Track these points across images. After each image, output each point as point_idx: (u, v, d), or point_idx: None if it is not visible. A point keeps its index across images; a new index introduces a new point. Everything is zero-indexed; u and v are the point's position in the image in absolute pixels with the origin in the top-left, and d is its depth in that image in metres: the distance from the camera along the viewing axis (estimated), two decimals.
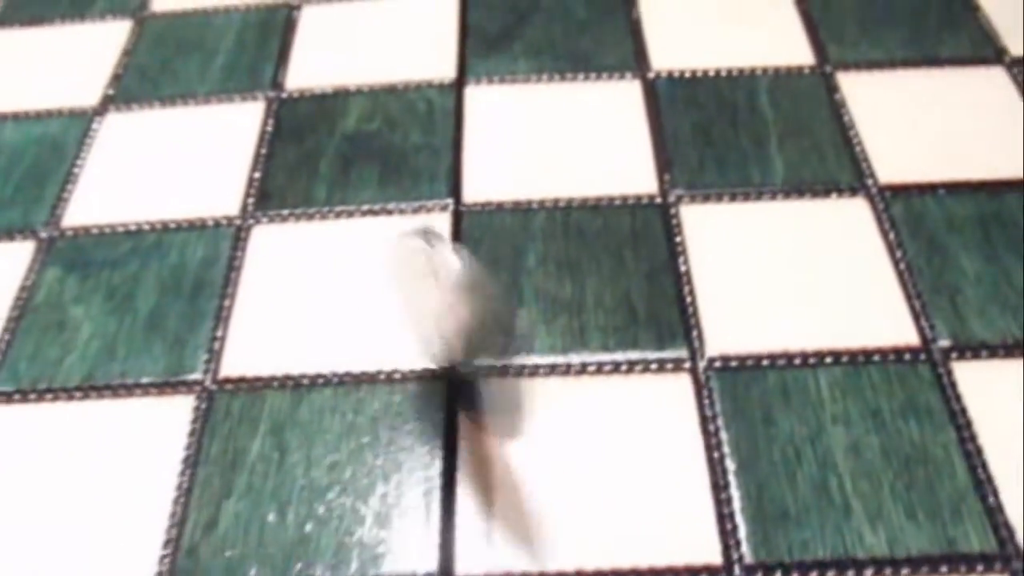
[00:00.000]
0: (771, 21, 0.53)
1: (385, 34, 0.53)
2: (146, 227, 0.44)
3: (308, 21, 0.54)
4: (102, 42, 0.54)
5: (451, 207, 0.44)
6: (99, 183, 0.47)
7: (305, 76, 0.51)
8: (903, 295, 0.40)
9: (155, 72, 0.52)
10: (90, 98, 0.51)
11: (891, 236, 0.42)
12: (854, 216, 0.43)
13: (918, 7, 0.53)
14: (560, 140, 0.47)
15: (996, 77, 0.49)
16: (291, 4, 0.56)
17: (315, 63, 0.52)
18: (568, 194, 0.44)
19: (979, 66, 0.49)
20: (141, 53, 0.53)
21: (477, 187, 0.45)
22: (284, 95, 0.50)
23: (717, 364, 0.38)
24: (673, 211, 0.43)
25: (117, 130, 0.49)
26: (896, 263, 0.41)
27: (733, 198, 0.44)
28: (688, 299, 0.40)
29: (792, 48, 0.51)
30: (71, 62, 0.53)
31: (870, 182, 0.44)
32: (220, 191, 0.46)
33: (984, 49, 0.50)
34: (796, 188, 0.44)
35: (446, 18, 0.54)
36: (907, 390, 0.37)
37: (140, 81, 0.52)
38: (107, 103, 0.51)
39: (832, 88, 0.49)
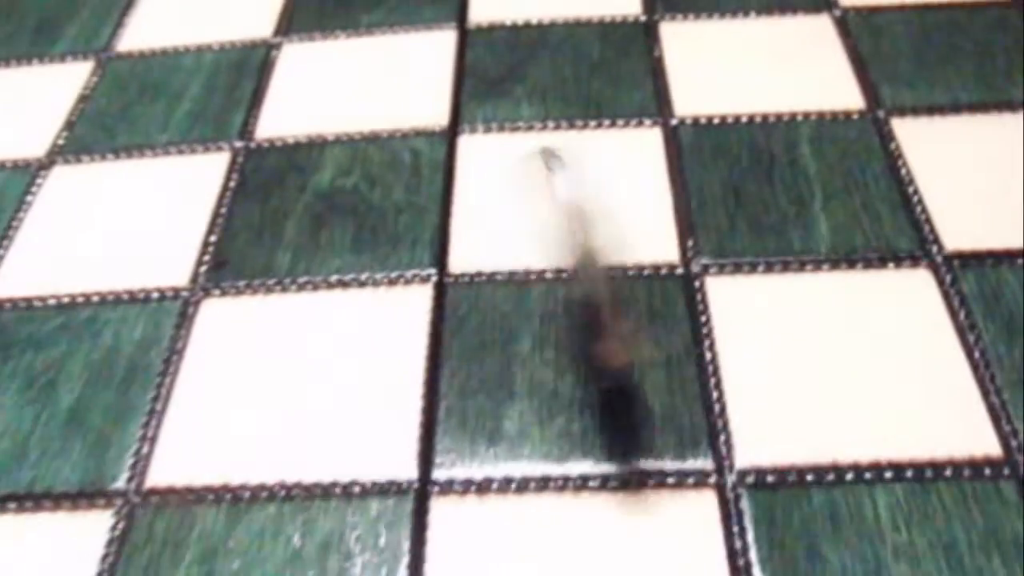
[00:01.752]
0: (814, 58, 0.46)
1: (372, 74, 0.47)
2: (80, 300, 0.38)
3: (288, 61, 0.48)
4: (59, 85, 0.49)
5: (433, 278, 0.37)
6: (34, 247, 0.41)
7: (278, 123, 0.45)
8: (979, 391, 0.33)
9: (113, 119, 0.46)
10: (37, 148, 0.45)
11: (961, 316, 0.35)
12: (916, 291, 0.36)
13: (983, 41, 0.46)
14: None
15: None
16: (270, 42, 0.50)
17: (291, 108, 0.45)
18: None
19: None
20: (100, 97, 0.47)
21: (466, 254, 0.38)
22: (253, 145, 0.44)
23: (749, 479, 0.31)
24: (697, 284, 0.36)
25: (63, 185, 0.43)
26: (969, 350, 0.34)
27: (769, 269, 0.37)
28: (714, 395, 0.33)
29: (838, 90, 0.44)
30: (23, 107, 0.48)
31: (934, 249, 0.37)
32: (169, 257, 0.39)
33: None
34: (845, 256, 0.37)
35: (441, 56, 0.47)
36: (988, 516, 0.30)
37: (95, 129, 0.46)
38: (55, 154, 0.45)
39: (886, 136, 0.42)
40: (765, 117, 0.43)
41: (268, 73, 0.48)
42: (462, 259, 0.38)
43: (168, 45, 0.50)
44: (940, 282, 0.36)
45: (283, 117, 0.45)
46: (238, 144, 0.44)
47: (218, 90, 0.47)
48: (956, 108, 0.43)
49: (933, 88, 0.44)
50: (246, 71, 0.48)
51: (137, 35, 0.51)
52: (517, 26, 0.49)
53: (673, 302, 0.36)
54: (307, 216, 0.40)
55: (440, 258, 0.38)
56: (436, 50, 0.48)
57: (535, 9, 0.50)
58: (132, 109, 0.47)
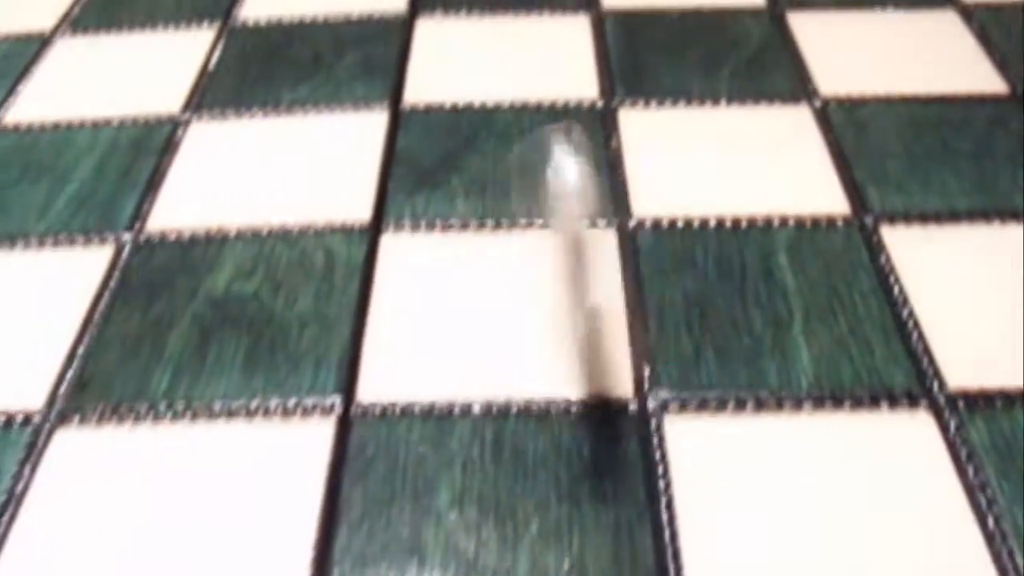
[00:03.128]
0: (791, 155, 0.40)
1: (288, 159, 0.41)
2: None
3: (194, 140, 0.42)
4: None
5: (337, 409, 0.31)
6: None
7: (174, 212, 0.39)
8: (991, 560, 0.27)
9: None
10: None
11: (970, 472, 0.29)
12: (915, 438, 0.30)
13: (980, 139, 0.41)
14: (502, 314, 0.34)
15: None
16: (177, 119, 0.44)
17: (191, 195, 0.39)
18: (504, 396, 0.31)
19: None
20: None
21: (378, 380, 0.32)
22: (142, 237, 0.38)
23: None
24: (655, 424, 0.30)
25: None
26: (981, 515, 0.28)
27: (740, 407, 0.31)
28: (672, 570, 0.27)
29: (820, 191, 0.39)
30: None
31: (935, 386, 0.31)
32: (24, 373, 0.33)
33: None
34: (830, 393, 0.31)
35: (370, 140, 0.42)
36: None
37: None
38: None
39: (875, 247, 0.36)
40: (736, 221, 0.37)
41: (171, 154, 0.42)
42: (373, 386, 0.32)
43: (62, 118, 0.44)
44: (943, 428, 0.30)
45: (181, 205, 0.39)
46: (125, 236, 0.38)
47: (111, 172, 0.41)
48: (953, 216, 0.37)
49: (926, 192, 0.38)
50: (146, 150, 0.42)
51: (29, 106, 0.45)
52: (457, 108, 0.43)
53: (626, 447, 0.30)
54: (195, 327, 0.34)
55: (347, 384, 0.32)
56: (364, 133, 0.42)
57: (479, 89, 0.44)
58: (9, 191, 0.40)
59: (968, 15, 0.49)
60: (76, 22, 0.51)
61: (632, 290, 0.35)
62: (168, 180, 0.40)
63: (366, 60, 0.47)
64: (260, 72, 0.46)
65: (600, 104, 0.43)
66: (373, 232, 0.37)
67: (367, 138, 0.42)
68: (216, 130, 0.43)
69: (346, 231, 0.37)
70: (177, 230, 0.38)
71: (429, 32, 0.49)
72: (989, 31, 0.47)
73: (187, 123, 0.43)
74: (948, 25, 0.48)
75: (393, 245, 0.37)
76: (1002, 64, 0.45)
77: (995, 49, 0.46)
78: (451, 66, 0.46)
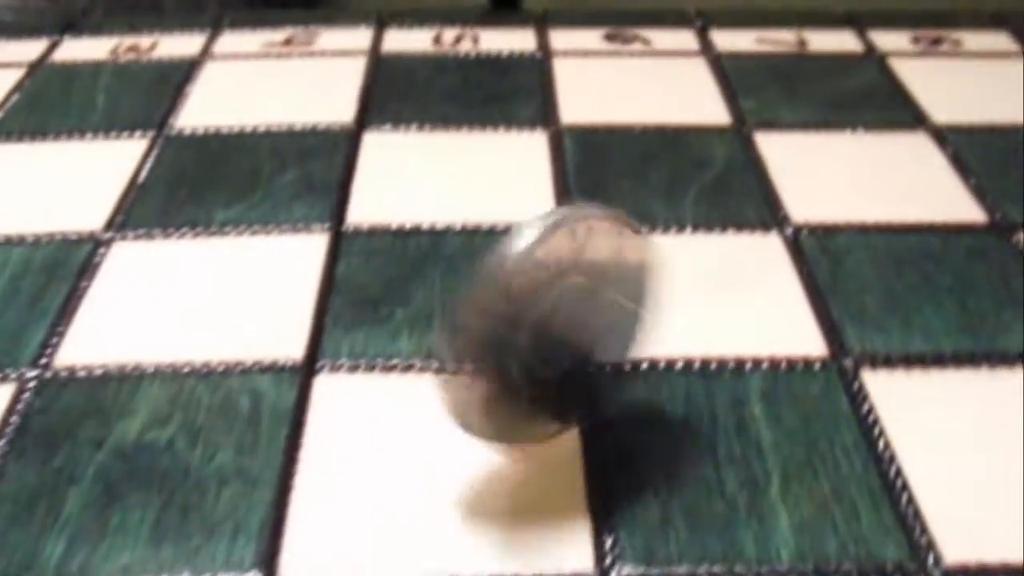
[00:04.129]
0: (763, 289, 0.38)
1: (217, 287, 0.37)
2: None
3: (115, 262, 0.39)
4: None
5: None
6: None
7: (87, 346, 0.35)
8: None
9: None
10: None
11: None
12: None
13: (963, 274, 0.38)
14: (449, 467, 0.30)
15: None
16: (99, 238, 0.40)
17: (107, 326, 0.36)
18: (449, 572, 0.27)
19: None
20: None
21: (304, 553, 0.28)
22: (48, 375, 0.34)
23: None
24: None
25: None
26: None
27: None
28: None
29: (794, 330, 0.36)
30: None
31: (929, 560, 0.28)
32: None
33: None
34: (814, 568, 0.28)
35: (306, 266, 0.38)
36: None
37: None
38: None
39: (856, 394, 0.33)
40: (705, 363, 0.34)
41: (88, 277, 0.38)
42: (298, 560, 0.28)
43: None
44: None
45: (95, 338, 0.35)
46: (29, 374, 0.34)
47: (19, 298, 0.37)
48: (938, 359, 0.34)
49: (908, 332, 0.35)
50: (61, 273, 0.38)
51: None
52: (404, 231, 0.40)
53: None
54: (99, 484, 0.30)
55: (268, 557, 0.28)
56: (302, 258, 0.39)
57: (428, 210, 0.41)
58: None
59: (940, 137, 0.47)
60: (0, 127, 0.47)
61: (592, 443, 0.31)
62: (83, 308, 0.36)
63: (307, 177, 0.44)
64: (193, 187, 0.43)
65: None
66: (306, 372, 0.34)
67: (304, 264, 0.38)
68: (140, 251, 0.39)
69: (276, 371, 0.34)
70: (88, 366, 0.34)
71: (376, 146, 0.46)
72: (963, 155, 0.45)
73: (109, 243, 0.40)
74: (920, 148, 0.46)
75: (328, 387, 0.33)
76: (978, 190, 0.43)
77: (970, 174, 0.44)
78: (398, 184, 0.43)
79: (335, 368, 0.34)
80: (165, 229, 0.40)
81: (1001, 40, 0.56)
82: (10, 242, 0.40)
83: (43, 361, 0.34)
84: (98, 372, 0.34)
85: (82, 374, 0.34)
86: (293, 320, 0.36)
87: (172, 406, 0.32)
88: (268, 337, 0.35)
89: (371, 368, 0.34)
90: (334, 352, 0.34)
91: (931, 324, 0.36)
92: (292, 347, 0.34)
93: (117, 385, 0.33)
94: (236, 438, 0.31)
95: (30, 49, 0.54)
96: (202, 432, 0.31)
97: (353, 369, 0.34)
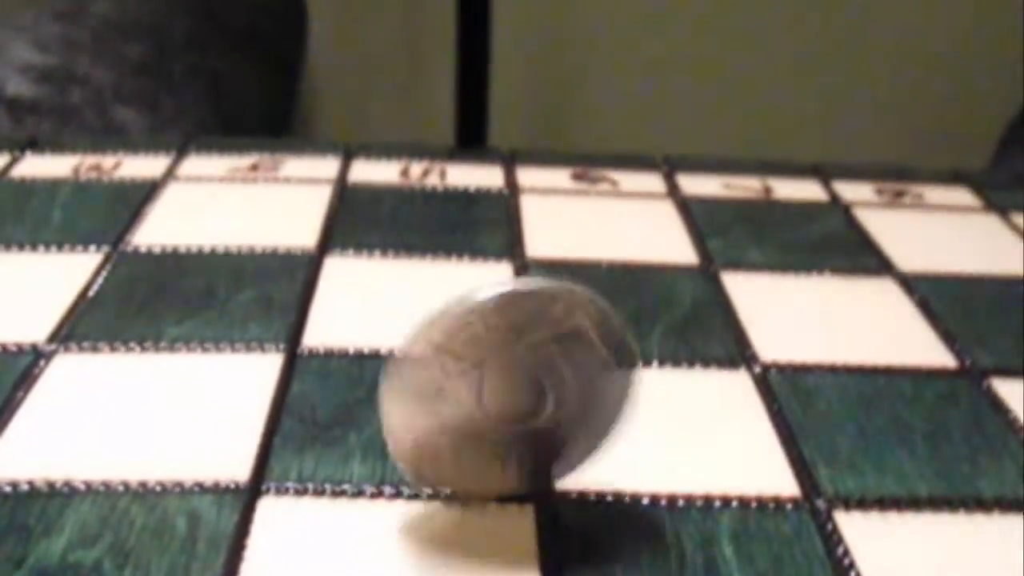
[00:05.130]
0: (731, 425, 0.36)
1: (162, 404, 0.36)
2: None
3: (55, 375, 0.37)
4: None
5: None
6: None
7: (16, 459, 0.33)
8: None
9: None
10: None
11: None
12: None
13: (935, 418, 0.37)
14: None
15: None
16: (41, 350, 0.38)
17: (39, 439, 0.33)
18: None
19: None
20: None
21: None
22: None
23: None
24: None
25: None
26: None
27: None
28: None
29: (764, 468, 0.34)
30: None
31: None
32: None
33: None
34: None
35: (258, 386, 0.37)
36: None
37: None
38: None
39: (830, 536, 0.31)
40: (672, 499, 0.32)
41: (25, 389, 0.36)
42: None
43: None
44: None
45: (24, 452, 0.33)
46: None
47: None
48: (913, 502, 0.33)
49: (881, 473, 0.34)
50: None
51: None
52: (362, 354, 0.39)
53: None
54: None
55: None
56: (254, 378, 0.37)
57: (387, 336, 0.40)
58: None
59: (907, 285, 0.47)
60: None
61: None
62: (14, 420, 0.34)
63: (264, 297, 0.42)
64: (145, 302, 0.41)
65: None
66: (250, 494, 0.32)
67: (256, 384, 0.37)
68: (83, 365, 0.38)
69: (217, 492, 0.31)
70: (14, 481, 0.32)
71: (337, 271, 0.45)
72: (931, 302, 0.45)
73: (51, 355, 0.38)
74: (887, 294, 0.46)
75: (273, 510, 0.31)
76: (947, 335, 0.43)
77: (939, 321, 0.44)
78: (359, 308, 0.42)
79: (281, 491, 0.32)
80: (112, 343, 0.39)
81: (962, 195, 0.57)
82: None
83: None
84: (24, 487, 0.31)
85: (6, 488, 0.31)
86: (239, 440, 0.34)
87: (102, 525, 0.30)
88: (211, 457, 0.33)
89: (319, 492, 0.32)
90: (281, 474, 0.32)
91: (904, 466, 0.35)
92: (236, 468, 0.32)
93: (44, 501, 0.31)
94: (169, 562, 0.29)
95: None
96: (132, 554, 0.29)
97: (300, 493, 0.32)
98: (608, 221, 0.51)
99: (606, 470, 0.33)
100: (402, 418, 0.29)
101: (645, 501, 0.32)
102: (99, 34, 1.03)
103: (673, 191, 0.55)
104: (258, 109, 1.09)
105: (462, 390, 0.29)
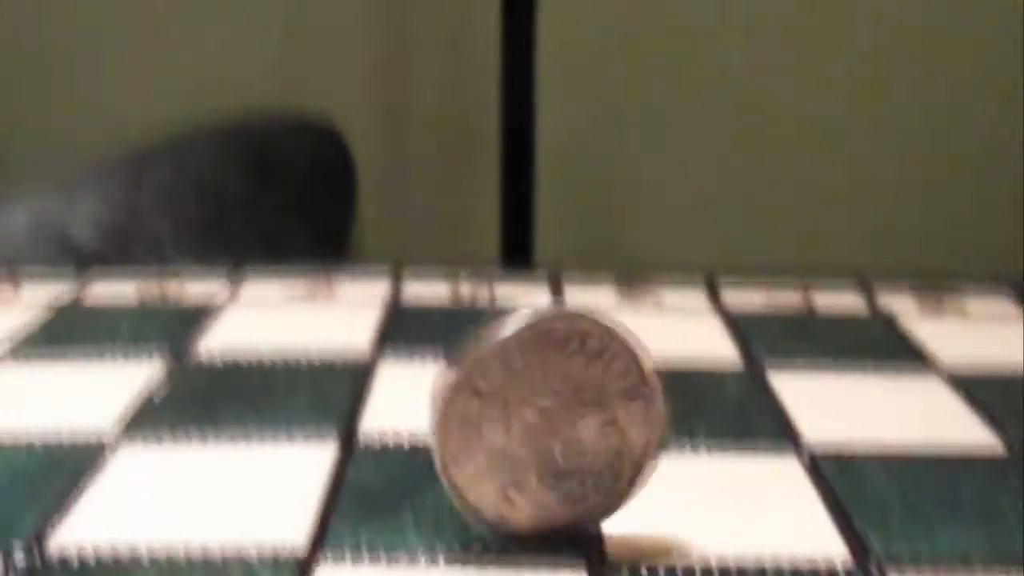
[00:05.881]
0: (780, 502, 0.37)
1: (222, 486, 0.37)
2: None
3: (120, 464, 0.38)
4: None
5: None
6: None
7: (81, 533, 0.34)
8: None
9: None
10: None
11: None
12: None
13: (983, 496, 0.37)
14: None
15: None
16: (106, 442, 0.40)
17: (103, 517, 0.34)
18: None
19: None
20: None
21: None
22: (38, 561, 0.32)
23: None
24: None
25: None
26: None
27: None
28: None
29: (815, 538, 0.34)
30: None
31: None
32: None
33: None
34: None
35: (315, 471, 0.38)
36: None
37: None
38: None
39: None
40: (724, 571, 0.33)
41: (91, 475, 0.37)
42: None
43: None
44: None
45: (90, 526, 0.34)
46: (19, 556, 0.32)
47: (17, 487, 0.36)
48: (966, 562, 0.33)
49: (932, 539, 0.34)
50: (62, 470, 0.37)
51: None
52: (416, 447, 0.40)
53: None
54: None
55: None
56: (311, 464, 0.38)
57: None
58: None
59: (954, 381, 0.47)
60: (16, 351, 0.48)
61: None
62: (81, 500, 0.36)
63: (321, 397, 0.44)
64: (204, 403, 0.43)
65: None
66: (307, 562, 0.32)
67: (314, 469, 0.38)
68: (145, 454, 0.39)
69: (277, 562, 0.32)
70: (81, 553, 0.33)
71: (391, 375, 0.46)
72: (978, 396, 0.45)
73: (115, 446, 0.39)
74: (934, 391, 0.46)
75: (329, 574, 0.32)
76: (995, 425, 0.43)
77: (986, 414, 0.44)
78: (411, 408, 0.43)
79: (338, 559, 0.32)
80: (173, 436, 0.40)
81: (1003, 305, 0.57)
82: (16, 446, 0.39)
83: (34, 547, 0.33)
84: (90, 556, 0.32)
85: (74, 561, 0.32)
86: (296, 515, 0.35)
87: None
88: (272, 532, 0.34)
89: (375, 560, 0.32)
90: (338, 544, 0.33)
91: (956, 535, 0.35)
92: (294, 539, 0.33)
93: (112, 570, 0.32)
94: None
95: (53, 292, 0.56)
96: None
97: (356, 561, 0.32)
98: (653, 333, 0.52)
99: (654, 549, 0.33)
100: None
101: (697, 572, 0.32)
102: (161, 194, 1.08)
103: (716, 306, 0.56)
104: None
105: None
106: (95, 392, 0.44)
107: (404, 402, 0.44)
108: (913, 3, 1.46)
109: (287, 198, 1.23)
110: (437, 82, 1.48)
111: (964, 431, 0.42)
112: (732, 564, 0.33)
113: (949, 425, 0.43)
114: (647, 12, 1.47)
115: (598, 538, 0.34)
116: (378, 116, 1.50)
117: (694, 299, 0.57)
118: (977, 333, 0.54)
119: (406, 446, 0.40)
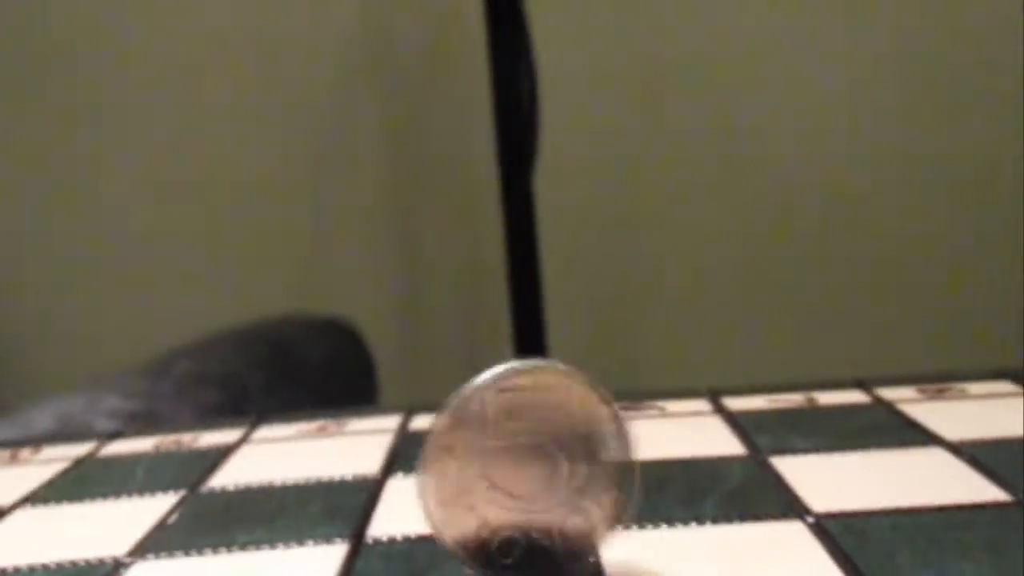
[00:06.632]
0: (788, 562, 0.37)
1: None
2: None
3: None
4: None
5: None
6: None
7: None
8: None
9: None
10: None
11: None
12: None
13: (991, 539, 0.37)
14: None
15: None
16: (121, 560, 0.40)
17: None
18: None
19: None
20: None
21: None
22: None
23: None
24: None
25: None
26: None
27: None
28: None
29: None
30: None
31: None
32: None
33: None
34: None
35: (324, 568, 0.38)
36: None
37: None
38: None
39: None
40: None
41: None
42: None
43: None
44: None
45: None
46: None
47: None
48: None
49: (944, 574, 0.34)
50: None
51: None
52: (423, 539, 0.40)
53: None
54: None
55: None
56: (320, 563, 0.39)
57: None
58: None
59: (957, 450, 0.47)
60: (35, 496, 0.49)
61: None
62: None
63: (331, 507, 0.44)
64: (217, 522, 0.44)
65: None
66: None
67: (323, 565, 0.38)
68: (159, 569, 0.39)
69: None
70: None
71: (400, 487, 0.47)
72: (982, 459, 0.46)
73: (129, 564, 0.40)
74: (938, 459, 0.47)
75: None
76: (999, 480, 0.43)
77: (990, 471, 0.44)
78: (418, 512, 0.44)
79: None
80: (186, 551, 0.41)
81: (1003, 386, 0.58)
82: (32, 570, 0.40)
83: None
84: None
85: None
86: None
87: None
88: None
89: None
90: None
91: (964, 571, 0.34)
92: None
93: None
94: None
95: (74, 451, 0.58)
96: None
97: None
98: (656, 435, 0.53)
99: None
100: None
101: None
102: (180, 384, 1.10)
103: (719, 409, 0.57)
104: None
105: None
106: (112, 526, 0.45)
107: (411, 511, 0.44)
108: (918, 116, 1.54)
109: (305, 387, 1.25)
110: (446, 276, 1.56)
111: (970, 486, 0.43)
112: None
113: (954, 486, 0.43)
114: (644, 163, 1.56)
115: None
116: (391, 308, 1.56)
117: (697, 406, 0.58)
118: (979, 410, 0.54)
119: (414, 538, 0.40)
